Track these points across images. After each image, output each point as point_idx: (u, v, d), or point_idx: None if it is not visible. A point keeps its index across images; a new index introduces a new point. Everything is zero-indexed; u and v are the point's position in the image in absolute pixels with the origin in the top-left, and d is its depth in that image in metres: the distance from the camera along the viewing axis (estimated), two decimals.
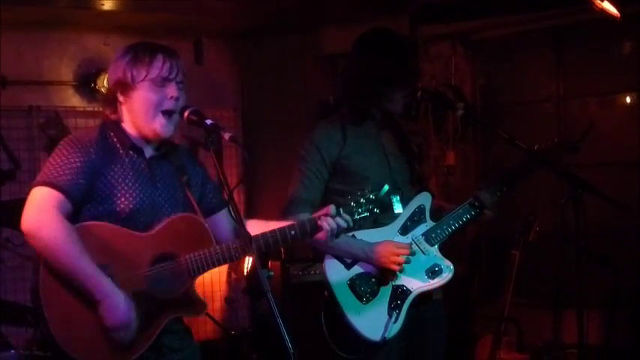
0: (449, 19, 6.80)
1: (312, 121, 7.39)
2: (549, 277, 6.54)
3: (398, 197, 3.67)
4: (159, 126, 3.42)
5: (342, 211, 3.50)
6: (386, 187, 3.53)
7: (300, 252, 6.31)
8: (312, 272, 6.15)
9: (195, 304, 3.44)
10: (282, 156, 6.92)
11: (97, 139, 3.44)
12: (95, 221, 3.35)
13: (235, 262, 3.53)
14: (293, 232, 3.50)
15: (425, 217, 4.24)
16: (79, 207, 3.37)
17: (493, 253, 6.90)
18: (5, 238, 6.01)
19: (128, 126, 3.49)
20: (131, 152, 3.48)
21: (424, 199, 4.26)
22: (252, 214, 7.79)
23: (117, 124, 3.49)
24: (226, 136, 3.29)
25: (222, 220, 3.71)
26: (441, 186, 6.93)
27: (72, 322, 3.29)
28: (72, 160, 3.35)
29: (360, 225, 3.74)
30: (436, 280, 4.17)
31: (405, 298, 4.11)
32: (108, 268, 3.30)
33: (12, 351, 4.88)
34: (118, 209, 3.37)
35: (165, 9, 6.91)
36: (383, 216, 3.75)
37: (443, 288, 4.24)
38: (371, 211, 3.54)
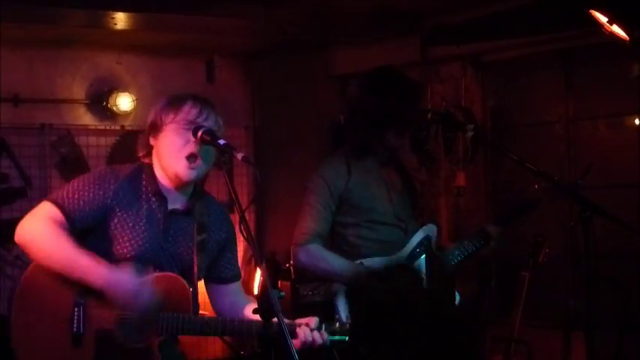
0: (459, 40, 6.82)
1: (322, 141, 7.45)
2: (559, 298, 6.53)
3: None
4: (181, 169, 3.44)
5: (323, 328, 3.47)
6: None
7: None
8: (322, 292, 6.16)
9: None
10: (292, 175, 6.95)
11: (125, 179, 3.47)
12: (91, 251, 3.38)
13: (205, 336, 3.56)
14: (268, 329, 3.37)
15: (431, 247, 4.33)
16: (81, 235, 3.40)
17: (503, 274, 6.89)
18: (15, 255, 6.04)
19: (158, 170, 3.52)
20: (154, 199, 3.49)
21: (430, 230, 4.38)
22: (262, 232, 7.82)
23: (150, 168, 3.52)
24: (239, 156, 3.30)
25: (229, 293, 3.71)
26: (450, 207, 6.94)
27: (35, 346, 3.33)
28: (87, 190, 3.40)
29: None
30: None
31: None
32: (84, 297, 3.33)
33: None
34: (119, 252, 3.41)
35: (177, 28, 6.95)
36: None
37: None
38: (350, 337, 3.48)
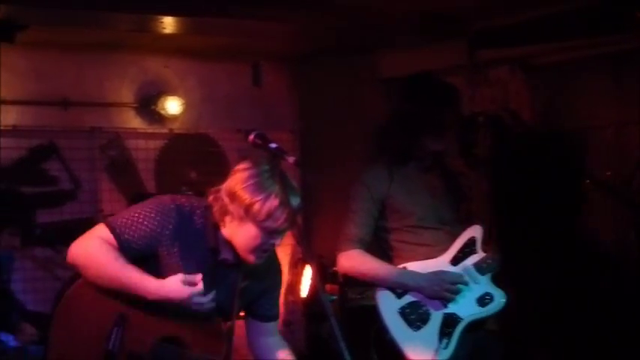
0: (507, 43, 6.78)
1: (368, 144, 7.43)
2: None
3: None
4: (253, 259, 3.41)
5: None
6: None
7: None
8: (370, 296, 6.15)
9: None
10: (338, 178, 6.93)
11: (187, 220, 3.43)
12: None
13: None
14: None
15: (476, 249, 4.36)
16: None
17: None
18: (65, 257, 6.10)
19: (226, 232, 3.44)
20: (207, 248, 3.46)
21: (475, 231, 4.37)
22: (308, 235, 7.82)
23: (215, 223, 3.44)
24: (290, 160, 3.30)
25: (264, 331, 3.72)
26: None
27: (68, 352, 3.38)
28: (146, 224, 3.38)
29: None
30: (487, 308, 4.24)
31: (456, 325, 4.19)
32: (126, 317, 3.37)
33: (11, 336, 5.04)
34: None
35: (224, 32, 6.98)
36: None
37: (498, 319, 4.30)
38: None
